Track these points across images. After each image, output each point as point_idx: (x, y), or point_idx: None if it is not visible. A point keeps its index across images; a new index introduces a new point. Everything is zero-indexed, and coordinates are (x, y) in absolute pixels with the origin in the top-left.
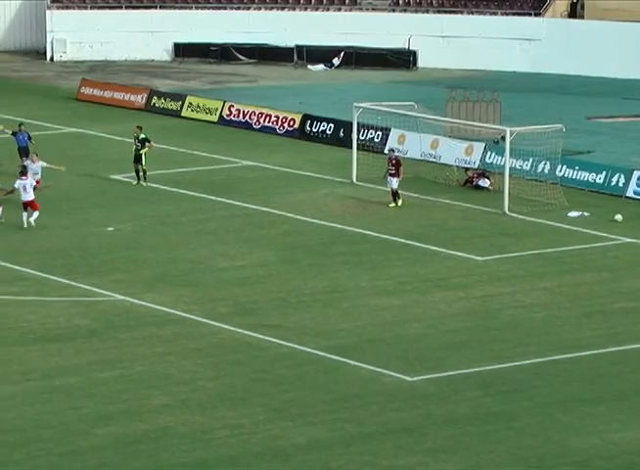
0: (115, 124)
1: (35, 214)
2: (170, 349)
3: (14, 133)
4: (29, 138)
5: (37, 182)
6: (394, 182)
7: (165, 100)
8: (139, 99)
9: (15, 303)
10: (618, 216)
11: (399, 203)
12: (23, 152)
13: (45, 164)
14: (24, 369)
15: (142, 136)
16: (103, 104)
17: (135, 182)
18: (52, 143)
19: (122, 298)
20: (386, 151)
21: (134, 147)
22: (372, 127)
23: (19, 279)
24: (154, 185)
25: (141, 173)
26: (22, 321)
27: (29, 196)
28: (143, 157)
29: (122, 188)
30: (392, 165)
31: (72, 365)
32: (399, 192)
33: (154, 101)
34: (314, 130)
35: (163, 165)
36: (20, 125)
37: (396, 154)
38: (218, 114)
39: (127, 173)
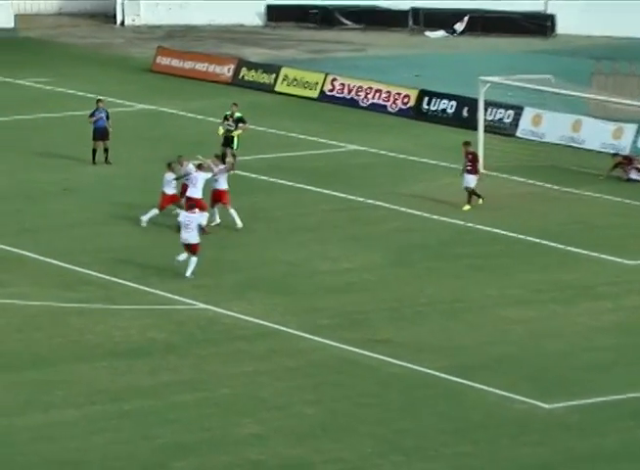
0: (197, 101)
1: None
2: (262, 367)
3: (92, 114)
4: (107, 117)
5: (199, 204)
6: (471, 180)
7: (256, 72)
8: (225, 71)
9: (78, 311)
10: None
11: (480, 201)
12: (99, 134)
13: (210, 172)
14: (89, 390)
15: (237, 115)
16: (182, 76)
17: None
18: (122, 122)
19: (205, 306)
20: (518, 133)
21: (225, 127)
22: (501, 106)
23: (82, 283)
24: (242, 173)
25: (229, 158)
26: (86, 333)
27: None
28: (235, 139)
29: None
30: (469, 161)
31: (146, 386)
32: (474, 192)
33: (242, 73)
34: (433, 109)
35: (254, 150)
36: (97, 101)
37: (472, 148)
38: (319, 88)
39: (210, 158)
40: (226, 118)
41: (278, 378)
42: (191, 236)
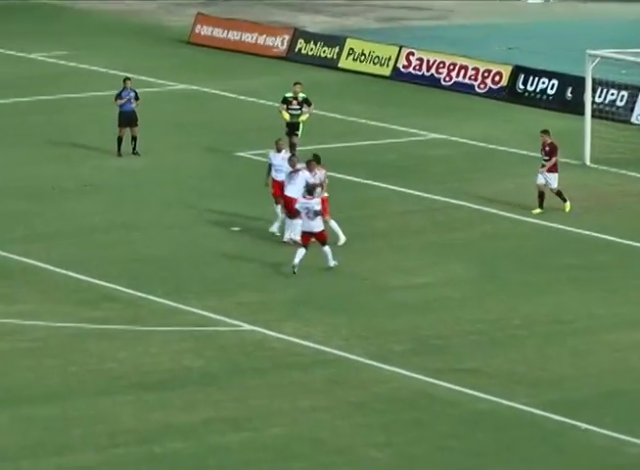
0: (244, 79)
1: (327, 251)
2: (321, 402)
3: (118, 95)
4: (137, 97)
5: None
6: (552, 179)
7: (316, 44)
8: (278, 43)
9: (100, 334)
10: None
11: (567, 207)
12: (126, 119)
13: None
14: (112, 429)
15: (302, 95)
16: (226, 50)
17: None
18: (154, 105)
19: (252, 328)
20: (634, 119)
21: (286, 112)
22: (613, 85)
23: (104, 300)
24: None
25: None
26: (109, 361)
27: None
28: (301, 125)
29: (252, 170)
30: (546, 154)
31: (181, 425)
32: (561, 191)
33: (299, 46)
34: (529, 89)
35: (312, 138)
36: (125, 80)
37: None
38: (392, 65)
39: (259, 149)
40: (287, 102)
41: (340, 415)
42: (315, 224)
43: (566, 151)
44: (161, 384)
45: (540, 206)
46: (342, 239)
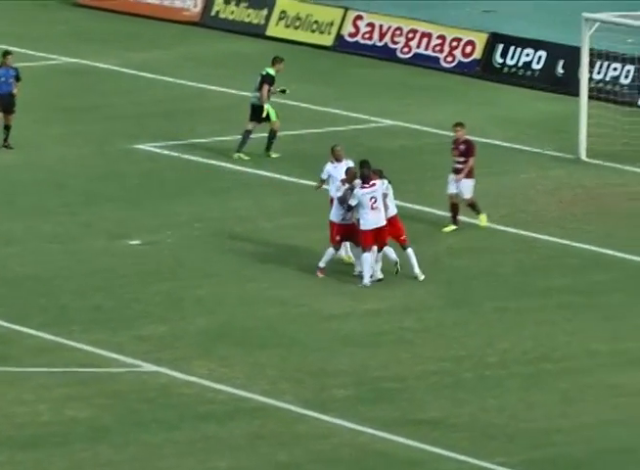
0: (147, 51)
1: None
2: (242, 462)
3: None
4: (18, 78)
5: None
6: (467, 186)
7: (238, 6)
8: (190, 4)
9: None
10: None
11: (483, 220)
12: (2, 104)
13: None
14: None
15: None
16: (123, 13)
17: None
18: (32, 84)
19: (155, 368)
20: None
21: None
22: (616, 58)
23: None
24: (215, 162)
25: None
26: None
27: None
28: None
29: (155, 167)
30: (459, 153)
31: None
32: (475, 203)
33: (217, 7)
34: (509, 63)
35: (233, 126)
36: (4, 55)
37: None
38: (335, 32)
39: (165, 140)
40: (274, 82)
41: None
42: (381, 217)
43: (555, 141)
44: (39, 440)
45: (454, 222)
46: (417, 272)
